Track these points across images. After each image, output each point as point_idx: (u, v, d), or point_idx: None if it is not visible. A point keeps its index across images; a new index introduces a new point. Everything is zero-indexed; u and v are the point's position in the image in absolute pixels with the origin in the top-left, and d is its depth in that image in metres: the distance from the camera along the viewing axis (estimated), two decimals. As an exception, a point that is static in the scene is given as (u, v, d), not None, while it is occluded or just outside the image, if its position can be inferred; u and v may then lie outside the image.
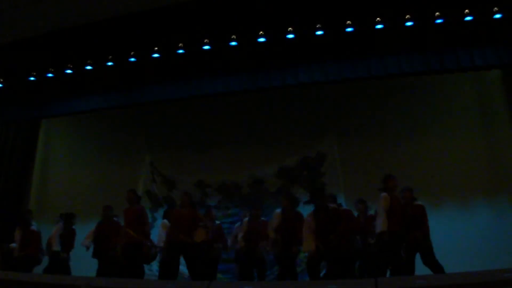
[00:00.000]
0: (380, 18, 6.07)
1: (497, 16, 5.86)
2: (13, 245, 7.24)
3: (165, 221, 6.86)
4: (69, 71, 7.47)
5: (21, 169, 9.20)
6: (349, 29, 6.23)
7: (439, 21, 5.97)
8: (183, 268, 6.73)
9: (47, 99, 8.29)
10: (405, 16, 6.01)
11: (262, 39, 6.51)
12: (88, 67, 7.32)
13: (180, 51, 6.87)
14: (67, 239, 7.07)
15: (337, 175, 8.12)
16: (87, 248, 6.87)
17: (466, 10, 5.86)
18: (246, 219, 6.67)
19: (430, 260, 5.40)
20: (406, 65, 6.44)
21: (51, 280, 5.71)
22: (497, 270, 4.41)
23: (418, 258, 5.52)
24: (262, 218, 6.70)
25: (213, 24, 6.63)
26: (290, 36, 6.42)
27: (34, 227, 7.26)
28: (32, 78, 7.74)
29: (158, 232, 6.92)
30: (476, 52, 6.24)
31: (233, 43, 6.62)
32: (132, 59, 7.08)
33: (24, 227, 7.12)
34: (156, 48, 6.91)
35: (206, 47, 6.72)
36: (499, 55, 6.21)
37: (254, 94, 7.94)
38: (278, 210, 6.17)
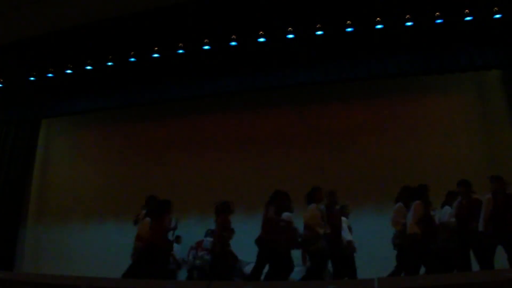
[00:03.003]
0: (380, 18, 6.08)
1: (497, 16, 5.87)
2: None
3: None
4: (69, 71, 7.49)
5: (21, 168, 9.19)
6: (349, 29, 6.24)
7: (439, 21, 5.98)
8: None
9: (47, 99, 8.31)
10: (405, 16, 6.02)
11: (262, 39, 6.52)
12: (88, 67, 7.33)
13: (180, 51, 6.89)
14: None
15: None
16: None
17: (466, 10, 5.87)
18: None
19: None
20: (406, 65, 6.44)
21: (51, 280, 5.69)
22: (497, 270, 4.42)
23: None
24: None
25: (213, 24, 6.63)
26: (290, 36, 6.43)
27: None
28: (32, 78, 7.76)
29: None
30: (476, 52, 6.26)
31: (233, 43, 6.63)
32: (132, 59, 7.09)
33: None
34: (156, 48, 6.92)
35: (206, 47, 6.73)
36: (499, 55, 6.22)
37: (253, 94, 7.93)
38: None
